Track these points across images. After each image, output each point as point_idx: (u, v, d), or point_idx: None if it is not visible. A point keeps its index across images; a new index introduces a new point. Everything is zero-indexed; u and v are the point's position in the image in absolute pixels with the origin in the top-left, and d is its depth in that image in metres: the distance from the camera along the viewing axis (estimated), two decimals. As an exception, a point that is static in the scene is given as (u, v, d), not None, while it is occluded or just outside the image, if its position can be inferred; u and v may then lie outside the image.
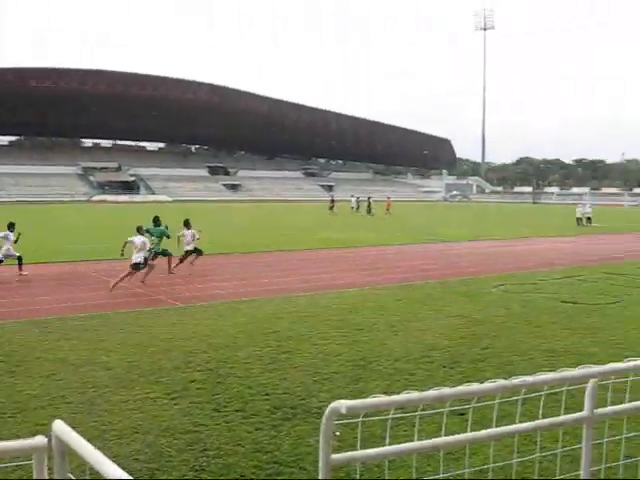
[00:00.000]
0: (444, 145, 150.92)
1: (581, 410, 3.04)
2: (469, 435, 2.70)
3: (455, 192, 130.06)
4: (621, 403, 3.25)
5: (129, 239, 16.08)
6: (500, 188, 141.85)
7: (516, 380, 2.66)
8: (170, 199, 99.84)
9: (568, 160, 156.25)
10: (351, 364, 9.15)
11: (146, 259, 16.34)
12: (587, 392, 2.98)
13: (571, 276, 18.56)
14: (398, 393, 2.54)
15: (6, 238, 17.99)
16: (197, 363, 9.18)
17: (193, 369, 8.89)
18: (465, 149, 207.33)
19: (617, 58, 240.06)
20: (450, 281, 17.59)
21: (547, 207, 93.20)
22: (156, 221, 18.46)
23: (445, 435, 2.72)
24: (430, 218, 53.93)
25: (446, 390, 2.45)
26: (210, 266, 20.06)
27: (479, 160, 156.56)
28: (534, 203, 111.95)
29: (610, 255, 24.89)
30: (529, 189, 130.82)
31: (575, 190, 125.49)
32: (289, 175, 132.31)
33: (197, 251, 19.52)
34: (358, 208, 58.90)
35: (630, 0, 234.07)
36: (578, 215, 46.11)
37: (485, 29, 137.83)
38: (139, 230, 16.57)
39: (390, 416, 2.61)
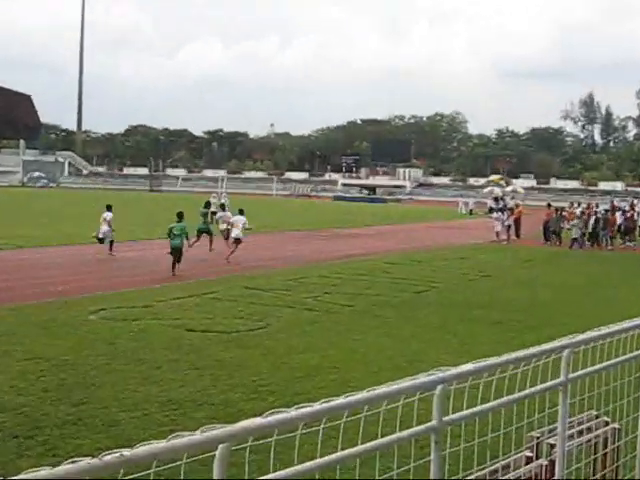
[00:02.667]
0: (22, 103, 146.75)
1: None
2: None
3: (39, 174, 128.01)
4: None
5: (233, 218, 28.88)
6: (103, 169, 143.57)
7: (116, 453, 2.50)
8: None
9: (199, 132, 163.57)
10: None
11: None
12: (216, 462, 3.02)
13: (200, 294, 19.36)
14: None
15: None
16: None
17: None
18: (54, 111, 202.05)
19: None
20: (25, 307, 17.23)
21: (169, 196, 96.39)
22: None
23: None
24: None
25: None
26: None
27: (74, 128, 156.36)
28: (151, 191, 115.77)
29: (253, 264, 26.56)
30: (145, 171, 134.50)
31: (208, 174, 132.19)
32: None
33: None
34: None
35: None
36: (213, 209, 48.31)
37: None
38: (241, 212, 29.08)
39: None
